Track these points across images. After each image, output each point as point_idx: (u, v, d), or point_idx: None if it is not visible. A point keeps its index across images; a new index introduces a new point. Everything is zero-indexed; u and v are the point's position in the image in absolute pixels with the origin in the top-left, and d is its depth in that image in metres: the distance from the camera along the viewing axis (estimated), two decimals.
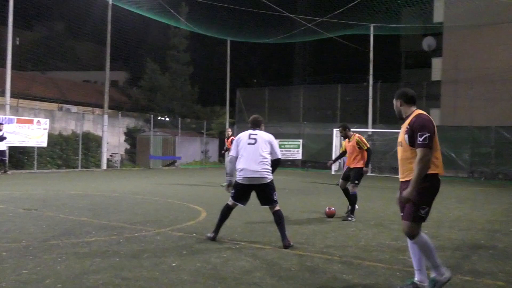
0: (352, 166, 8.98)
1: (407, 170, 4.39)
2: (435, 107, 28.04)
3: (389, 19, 25.05)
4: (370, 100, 26.79)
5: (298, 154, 27.77)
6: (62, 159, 21.73)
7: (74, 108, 28.06)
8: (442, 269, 4.34)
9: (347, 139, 9.17)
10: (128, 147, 27.34)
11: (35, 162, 20.21)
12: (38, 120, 20.15)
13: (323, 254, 5.78)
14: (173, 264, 5.11)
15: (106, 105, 23.73)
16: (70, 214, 8.34)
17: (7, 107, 19.35)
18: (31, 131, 19.60)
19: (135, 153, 26.98)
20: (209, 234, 6.49)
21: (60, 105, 28.39)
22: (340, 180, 9.23)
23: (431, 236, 7.26)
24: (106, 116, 23.56)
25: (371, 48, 26.70)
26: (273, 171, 6.40)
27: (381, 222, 8.62)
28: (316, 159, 27.44)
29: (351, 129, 9.35)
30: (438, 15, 27.44)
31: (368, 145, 9.08)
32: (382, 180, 20.92)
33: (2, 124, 18.16)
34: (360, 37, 28.13)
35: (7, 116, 18.99)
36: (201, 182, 16.89)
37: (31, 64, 33.46)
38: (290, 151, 27.80)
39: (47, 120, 20.77)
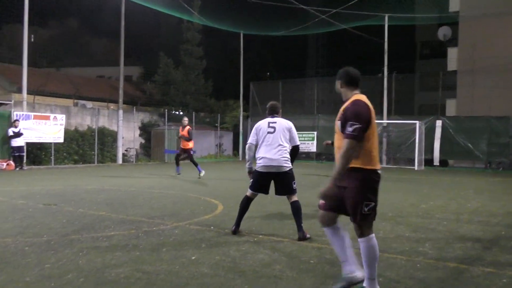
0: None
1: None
2: (451, 97, 27.71)
3: (404, 10, 24.75)
4: (385, 92, 26.55)
5: (312, 147, 27.68)
6: (78, 154, 21.95)
7: (89, 104, 28.29)
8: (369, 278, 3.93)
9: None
10: (143, 141, 27.50)
11: (52, 157, 20.44)
12: (55, 116, 20.35)
13: None
14: (193, 258, 5.13)
15: (120, 100, 23.89)
16: (88, 209, 8.42)
17: (24, 103, 19.56)
18: (48, 127, 19.81)
19: (150, 148, 27.13)
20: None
21: (76, 101, 28.64)
22: None
23: (450, 228, 7.21)
24: (121, 111, 23.72)
25: (386, 39, 26.43)
26: (292, 159, 6.38)
27: (398, 213, 8.56)
28: (331, 152, 27.33)
29: None
30: (454, 4, 27.07)
31: None
32: (398, 171, 20.78)
33: (18, 120, 18.39)
34: (375, 28, 27.85)
35: (24, 113, 19.20)
36: (216, 176, 16.94)
37: (46, 61, 33.83)
38: (304, 143, 27.71)
39: (63, 116, 20.97)
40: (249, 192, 6.43)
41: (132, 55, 33.17)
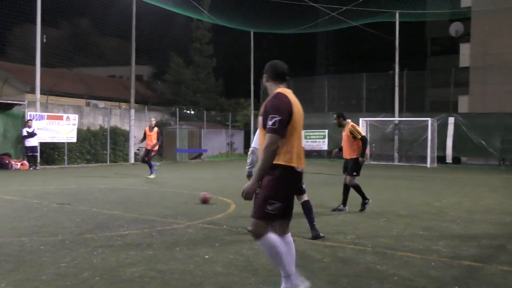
0: (348, 157, 8.45)
1: None
2: (463, 94, 27.46)
3: (415, 6, 24.57)
4: (396, 89, 26.40)
5: (323, 145, 27.60)
6: (91, 154, 22.12)
7: (101, 103, 28.47)
8: (295, 280, 3.69)
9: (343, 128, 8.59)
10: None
11: (65, 157, 20.62)
12: (68, 116, 20.52)
13: (355, 245, 5.75)
14: (206, 257, 5.16)
15: (132, 99, 24.03)
16: (102, 208, 8.49)
17: (37, 104, 19.75)
18: (61, 127, 19.98)
19: (162, 147, 27.24)
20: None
21: (88, 100, 28.83)
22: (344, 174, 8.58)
23: (464, 226, 7.16)
24: (132, 111, 23.87)
25: (397, 36, 26.26)
26: None
27: (411, 212, 8.51)
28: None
29: (359, 118, 8.90)
30: (466, 0, 26.79)
31: (363, 134, 8.48)
32: (410, 169, 20.66)
33: (31, 120, 18.58)
34: (384, 24, 27.69)
35: (38, 113, 19.39)
36: (228, 174, 16.98)
37: (58, 61, 34.08)
38: (315, 141, 27.66)
39: (76, 116, 21.14)
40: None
41: (143, 55, 33.26)
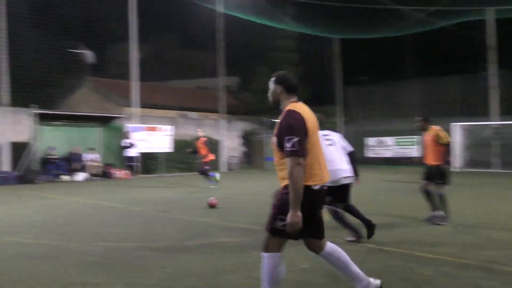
0: (431, 163, 7.89)
1: (280, 177, 3.62)
2: None
3: (508, 1, 23.02)
4: (492, 90, 24.83)
5: (414, 152, 26.61)
6: (184, 163, 23.09)
7: (193, 114, 29.62)
8: None
9: (425, 132, 8.07)
10: (244, 149, 28.25)
11: (162, 166, 21.71)
12: (163, 127, 21.65)
13: (458, 258, 5.50)
14: (303, 266, 5.19)
15: (223, 110, 24.84)
16: (200, 216, 8.82)
17: (136, 116, 21.02)
18: (157, 138, 21.13)
19: (251, 156, 27.78)
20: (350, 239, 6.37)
21: (180, 112, 30.13)
22: (422, 181, 8.04)
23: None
24: (223, 121, 24.66)
25: (493, 34, 24.76)
26: None
27: None
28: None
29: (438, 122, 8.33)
30: None
31: (449, 139, 7.90)
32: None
33: (130, 132, 19.81)
34: (475, 23, 26.21)
35: (136, 125, 20.63)
36: None
37: (152, 75, 35.98)
38: (405, 148, 26.74)
39: (171, 127, 22.23)
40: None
41: (230, 65, 34.20)
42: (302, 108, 3.63)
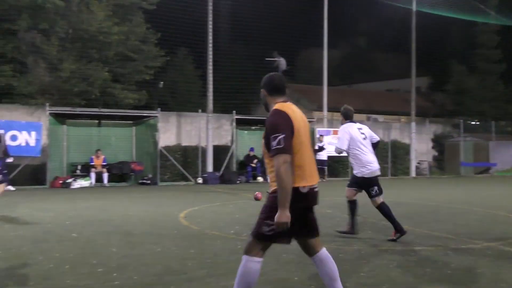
0: None
1: (271, 179, 3.46)
2: None
3: None
4: None
5: None
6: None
7: (380, 118, 29.06)
8: None
9: None
10: (436, 154, 26.65)
11: (348, 170, 21.73)
12: None
13: None
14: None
15: (413, 112, 23.85)
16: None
17: (325, 120, 21.48)
18: None
19: (443, 160, 26.08)
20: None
21: (368, 115, 29.84)
22: None
23: None
24: (413, 124, 23.64)
25: None
26: None
27: None
28: None
29: None
30: None
31: None
32: None
33: (322, 135, 20.29)
34: None
35: (325, 129, 21.07)
36: None
37: (340, 79, 36.37)
38: None
39: None
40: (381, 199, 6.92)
41: (420, 66, 32.64)
42: (288, 107, 3.54)
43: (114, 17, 20.37)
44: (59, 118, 17.38)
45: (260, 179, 19.39)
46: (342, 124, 7.11)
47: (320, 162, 20.12)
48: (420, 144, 25.17)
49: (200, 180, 18.12)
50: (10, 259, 5.56)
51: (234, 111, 19.77)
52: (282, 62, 20.75)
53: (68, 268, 5.14)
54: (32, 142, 15.84)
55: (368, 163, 6.75)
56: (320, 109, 22.76)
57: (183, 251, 6.02)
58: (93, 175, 16.79)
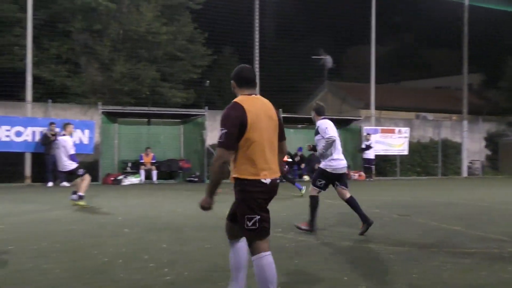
0: None
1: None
2: None
3: None
4: None
5: None
6: (421, 166, 22.26)
7: (430, 116, 28.28)
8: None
9: None
10: (489, 153, 25.71)
11: (397, 169, 21.35)
12: (399, 129, 21.25)
13: None
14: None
15: (465, 110, 23.17)
16: (440, 222, 8.38)
17: (373, 118, 21.14)
18: (393, 140, 20.85)
19: (497, 160, 25.13)
20: (303, 227, 7.18)
21: (417, 113, 29.08)
22: None
23: None
24: (465, 122, 22.95)
25: None
26: None
27: None
28: None
29: None
30: None
31: None
32: None
33: (370, 134, 19.97)
34: None
35: (372, 127, 20.74)
36: None
37: (387, 77, 35.59)
38: None
39: (407, 129, 21.67)
40: (317, 192, 7.25)
41: (473, 62, 31.50)
42: (248, 101, 3.56)
43: (162, 18, 20.81)
44: (111, 116, 17.95)
45: (306, 177, 19.32)
46: (317, 120, 7.41)
47: (367, 161, 19.86)
48: (472, 143, 24.37)
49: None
50: (68, 252, 5.80)
51: (281, 109, 19.77)
52: (328, 60, 20.60)
53: (121, 263, 5.31)
54: (85, 140, 16.44)
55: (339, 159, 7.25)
56: (367, 107, 22.43)
57: None
58: (142, 172, 17.24)
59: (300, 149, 19.72)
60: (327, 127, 7.16)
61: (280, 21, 24.05)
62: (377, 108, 24.13)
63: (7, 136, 15.70)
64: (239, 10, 21.51)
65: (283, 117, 19.57)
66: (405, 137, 21.14)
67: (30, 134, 15.94)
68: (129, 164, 17.73)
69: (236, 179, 3.57)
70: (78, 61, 20.49)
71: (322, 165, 7.25)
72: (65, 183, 14.07)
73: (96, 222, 8.11)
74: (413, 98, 31.46)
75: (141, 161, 17.54)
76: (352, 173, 19.82)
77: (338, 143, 7.26)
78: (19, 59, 18.12)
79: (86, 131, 16.53)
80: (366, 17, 21.67)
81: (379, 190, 15.31)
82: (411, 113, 28.93)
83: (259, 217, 3.51)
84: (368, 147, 19.65)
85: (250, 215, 3.50)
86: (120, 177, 16.70)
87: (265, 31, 22.25)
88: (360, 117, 21.71)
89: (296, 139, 20.37)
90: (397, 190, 15.15)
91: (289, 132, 20.51)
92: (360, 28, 23.03)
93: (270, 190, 3.61)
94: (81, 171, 10.04)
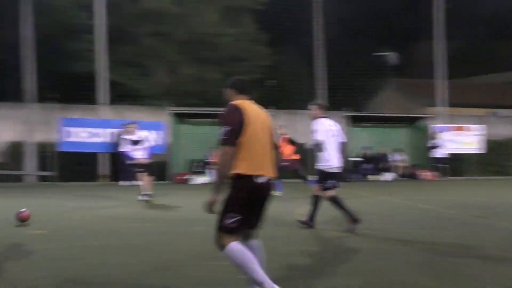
0: None
1: None
2: None
3: None
4: None
5: None
6: (495, 165, 21.21)
7: (504, 112, 26.82)
8: (267, 285, 3.53)
9: None
10: None
11: (472, 168, 20.45)
12: (472, 127, 20.39)
13: None
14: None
15: None
16: None
17: (441, 116, 20.38)
18: (465, 138, 20.03)
19: None
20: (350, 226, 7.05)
21: (490, 110, 27.68)
22: None
23: None
24: None
25: None
26: None
27: None
28: None
29: None
30: None
31: None
32: None
33: (438, 132, 19.28)
34: None
35: (442, 125, 20.00)
36: None
37: (454, 72, 34.07)
38: None
39: (482, 126, 20.72)
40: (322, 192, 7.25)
41: None
42: (244, 103, 3.77)
43: (226, 20, 21.16)
44: (179, 117, 18.44)
45: (372, 177, 18.98)
46: (316, 118, 7.36)
47: (437, 160, 19.15)
48: None
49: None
50: (140, 248, 6.04)
51: (345, 108, 19.50)
52: (392, 57, 20.11)
53: (195, 259, 5.45)
54: (156, 141, 17.02)
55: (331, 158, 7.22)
56: (433, 104, 21.57)
57: (305, 248, 6.11)
58: (209, 172, 17.59)
59: (370, 147, 19.41)
60: (318, 129, 7.19)
61: (342, 18, 23.68)
62: (446, 105, 23.22)
63: (87, 136, 16.63)
64: (300, 9, 21.40)
65: (349, 115, 19.30)
66: (480, 135, 20.24)
67: (105, 135, 16.80)
68: (199, 163, 18.16)
69: (231, 175, 3.67)
70: (147, 64, 21.24)
71: (319, 166, 7.34)
72: (132, 182, 14.53)
73: (169, 220, 8.38)
74: (484, 93, 30.00)
75: (208, 161, 17.90)
76: (420, 173, 19.21)
77: (333, 143, 7.26)
78: (92, 65, 19.00)
79: (157, 132, 17.12)
80: (432, 12, 20.93)
81: (453, 190, 14.79)
82: (484, 110, 27.60)
83: (240, 217, 3.60)
84: (437, 146, 18.96)
85: (232, 213, 3.60)
86: (188, 177, 17.15)
87: (327, 28, 21.98)
88: (428, 114, 21.00)
89: (362, 138, 20.04)
90: (471, 190, 14.53)
91: (355, 131, 20.10)
92: (426, 22, 22.24)
93: (263, 189, 3.72)
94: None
